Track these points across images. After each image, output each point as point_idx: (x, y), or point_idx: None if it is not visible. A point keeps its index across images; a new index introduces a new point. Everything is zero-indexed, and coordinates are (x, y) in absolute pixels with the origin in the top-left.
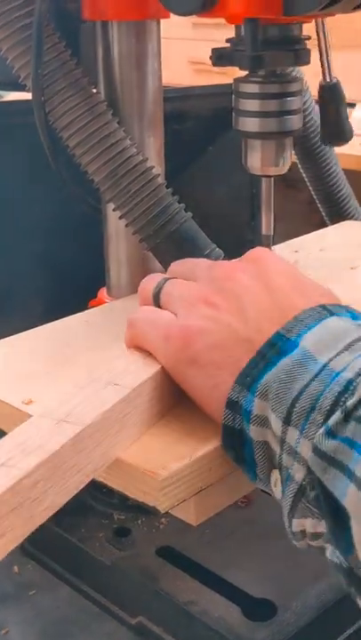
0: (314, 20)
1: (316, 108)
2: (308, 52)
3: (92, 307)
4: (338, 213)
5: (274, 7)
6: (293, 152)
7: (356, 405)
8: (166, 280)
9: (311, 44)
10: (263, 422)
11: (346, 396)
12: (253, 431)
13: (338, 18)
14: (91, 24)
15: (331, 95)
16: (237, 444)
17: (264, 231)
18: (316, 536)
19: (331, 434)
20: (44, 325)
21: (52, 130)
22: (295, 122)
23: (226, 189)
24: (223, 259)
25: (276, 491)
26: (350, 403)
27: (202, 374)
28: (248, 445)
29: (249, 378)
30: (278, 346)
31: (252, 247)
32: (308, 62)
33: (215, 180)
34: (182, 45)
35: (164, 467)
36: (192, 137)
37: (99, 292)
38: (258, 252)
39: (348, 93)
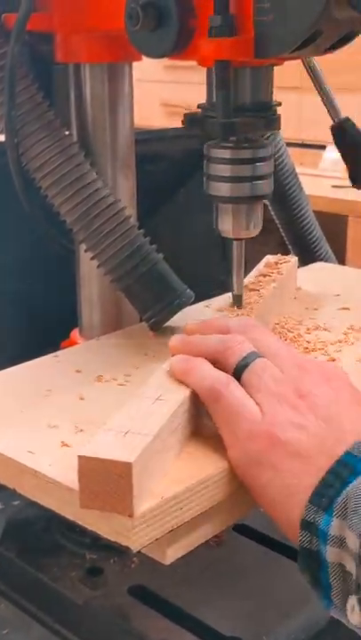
0: (304, 66)
1: (288, 151)
2: (279, 117)
3: (65, 347)
4: (309, 255)
5: (245, 50)
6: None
7: None
8: (256, 357)
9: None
10: (341, 543)
11: None
12: (330, 553)
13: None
14: (63, 66)
15: (343, 134)
16: (314, 567)
17: (235, 291)
18: None
19: None
20: (16, 366)
21: (24, 171)
22: (266, 186)
23: (197, 230)
24: (193, 301)
25: (354, 617)
26: None
27: (278, 481)
28: (324, 568)
29: (325, 499)
30: (352, 466)
31: (224, 288)
32: (278, 128)
33: (187, 221)
34: (155, 87)
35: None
36: (164, 178)
37: (71, 332)
38: (337, 371)
39: (321, 135)
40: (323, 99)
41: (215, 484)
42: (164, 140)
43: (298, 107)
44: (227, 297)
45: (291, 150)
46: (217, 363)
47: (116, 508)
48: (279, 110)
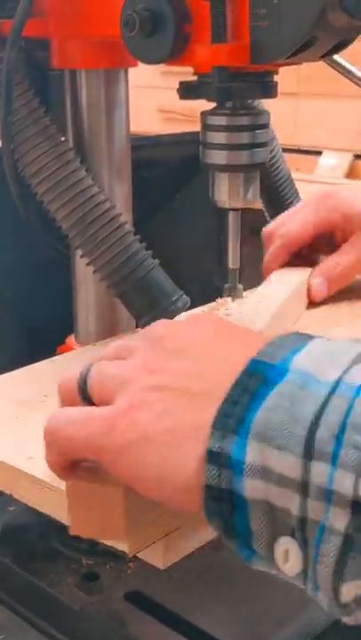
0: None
1: (283, 156)
2: (276, 84)
3: (61, 353)
4: None
5: (241, 55)
6: (260, 200)
7: None
8: (89, 367)
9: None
10: (262, 473)
11: None
12: (249, 487)
13: (311, 67)
14: (59, 72)
15: None
16: (226, 510)
17: (231, 265)
18: None
19: None
20: (13, 372)
21: (20, 177)
22: (263, 154)
23: (193, 237)
24: (190, 307)
25: (288, 567)
26: None
27: (157, 450)
28: (241, 510)
29: (232, 419)
30: (262, 374)
31: (220, 294)
32: (275, 95)
33: (182, 228)
34: (151, 93)
35: None
36: (160, 185)
37: (67, 338)
38: (196, 315)
39: (317, 141)
40: (353, 79)
41: None
42: (159, 146)
43: (294, 113)
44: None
45: (286, 156)
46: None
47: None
48: (275, 116)
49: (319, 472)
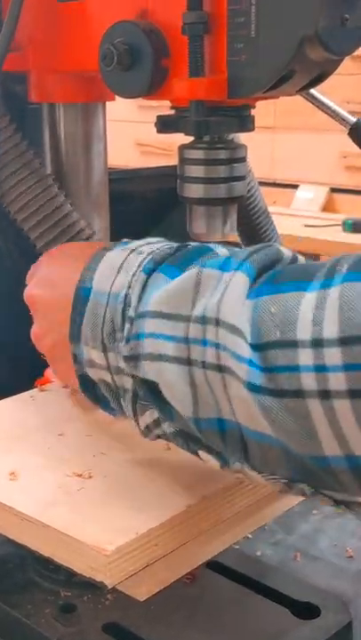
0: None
1: (260, 190)
2: (253, 118)
3: (39, 386)
4: None
5: (219, 89)
6: (237, 233)
7: (134, 310)
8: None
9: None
10: (92, 363)
11: (127, 308)
12: (92, 373)
13: (288, 101)
14: (37, 106)
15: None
16: (90, 387)
17: None
18: (155, 423)
19: (128, 340)
20: None
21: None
22: (240, 188)
23: None
24: None
25: (128, 411)
26: (130, 312)
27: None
28: (96, 386)
29: (74, 332)
30: (81, 296)
31: None
32: (252, 129)
33: None
34: (128, 127)
35: (111, 542)
36: (137, 218)
37: (45, 371)
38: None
39: (294, 174)
40: (328, 113)
41: (189, 520)
42: (137, 179)
43: (271, 146)
44: None
45: (264, 189)
46: None
47: None
48: (252, 150)
49: (112, 359)
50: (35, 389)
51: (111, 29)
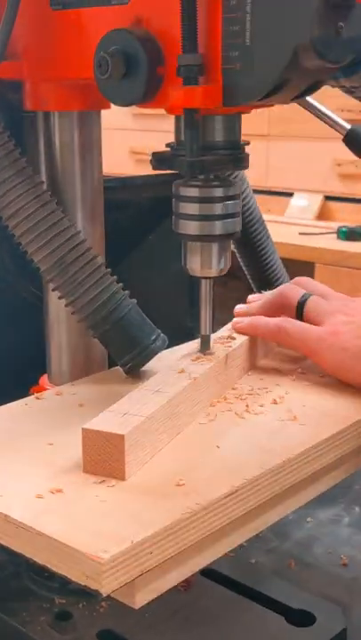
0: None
1: (255, 198)
2: (247, 156)
3: (34, 393)
4: None
5: (213, 98)
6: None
7: None
8: (309, 295)
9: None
10: None
11: None
12: None
13: (282, 109)
14: (32, 114)
15: (355, 142)
16: None
17: (202, 331)
18: None
19: None
20: None
21: None
22: (236, 224)
23: (165, 277)
24: (167, 346)
25: None
26: None
27: (348, 354)
28: None
29: None
30: None
31: (191, 335)
32: (246, 167)
33: (154, 269)
34: (123, 135)
35: (106, 550)
36: (132, 226)
37: (40, 378)
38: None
39: (288, 182)
40: (323, 120)
41: (184, 528)
42: (131, 187)
43: (265, 154)
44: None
45: (258, 197)
46: (281, 308)
47: (112, 474)
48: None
49: None
50: (30, 397)
51: (106, 37)
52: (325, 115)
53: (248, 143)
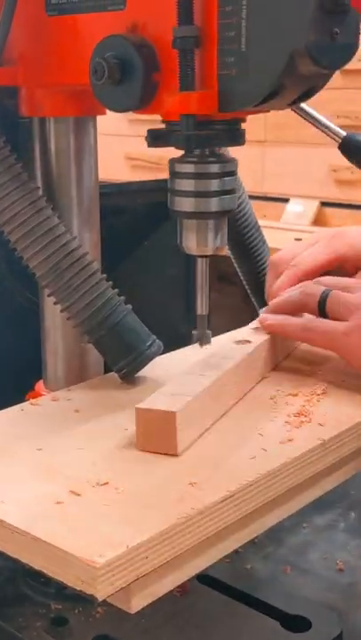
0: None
1: (250, 203)
2: (243, 131)
3: (29, 399)
4: None
5: (210, 104)
6: (227, 247)
7: None
8: (329, 290)
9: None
10: None
11: None
12: None
13: (278, 115)
14: (28, 120)
15: (352, 148)
16: None
17: (198, 311)
18: None
19: None
20: None
21: None
22: (231, 201)
23: (161, 283)
24: (162, 352)
25: None
26: None
27: None
28: None
29: None
30: None
31: (187, 341)
32: (243, 142)
33: (150, 275)
34: (119, 141)
35: (101, 555)
36: (128, 231)
37: (36, 384)
38: None
39: (284, 188)
40: (319, 127)
41: (180, 533)
42: (127, 193)
43: (261, 160)
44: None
45: (254, 203)
46: (305, 307)
47: (164, 449)
48: (242, 163)
49: None
50: (25, 402)
51: (102, 43)
52: (320, 122)
53: (245, 120)
